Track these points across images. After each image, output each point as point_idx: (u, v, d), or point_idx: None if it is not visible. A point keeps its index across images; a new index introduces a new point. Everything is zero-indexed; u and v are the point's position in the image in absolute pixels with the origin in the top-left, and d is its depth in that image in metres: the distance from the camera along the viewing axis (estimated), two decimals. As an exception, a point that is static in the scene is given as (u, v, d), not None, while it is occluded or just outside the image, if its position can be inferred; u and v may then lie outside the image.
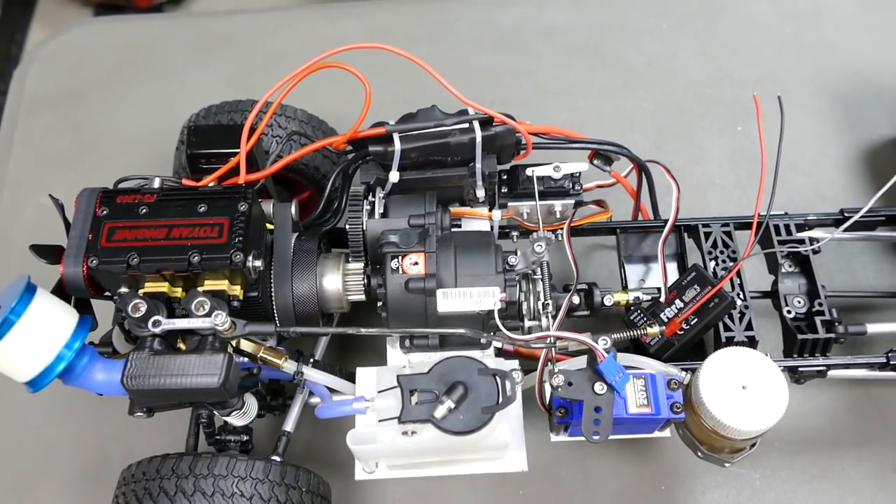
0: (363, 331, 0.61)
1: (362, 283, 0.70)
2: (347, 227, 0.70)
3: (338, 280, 0.69)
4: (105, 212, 0.61)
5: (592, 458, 0.81)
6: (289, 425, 0.74)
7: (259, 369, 0.69)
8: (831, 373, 0.75)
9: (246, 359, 0.65)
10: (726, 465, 0.70)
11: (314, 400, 0.77)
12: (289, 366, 0.68)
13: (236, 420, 0.70)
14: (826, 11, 1.09)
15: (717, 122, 1.00)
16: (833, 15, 1.08)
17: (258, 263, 0.61)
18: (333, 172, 0.74)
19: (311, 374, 0.69)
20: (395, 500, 0.80)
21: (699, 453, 0.70)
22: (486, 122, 0.71)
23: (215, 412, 0.67)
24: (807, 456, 0.81)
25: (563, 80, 1.01)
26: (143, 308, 0.57)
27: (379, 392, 0.60)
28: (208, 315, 0.57)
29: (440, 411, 0.56)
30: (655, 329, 0.69)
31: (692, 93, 1.03)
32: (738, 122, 1.00)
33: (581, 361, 0.65)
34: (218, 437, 0.69)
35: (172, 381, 0.57)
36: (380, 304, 0.69)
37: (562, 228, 0.77)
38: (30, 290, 0.55)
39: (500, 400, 0.58)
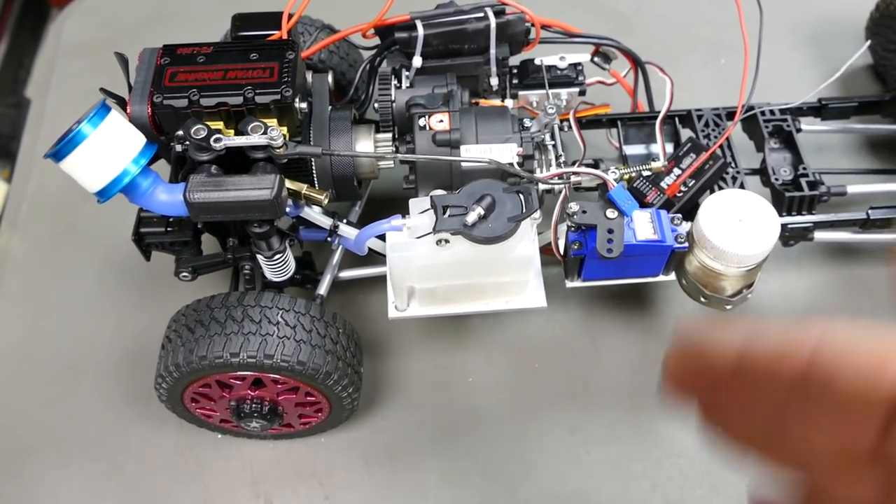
0: (400, 155, 0.68)
1: (392, 149, 0.77)
2: (378, 101, 0.77)
3: (370, 146, 0.76)
4: (167, 61, 0.68)
5: (603, 333, 0.87)
6: (322, 289, 0.80)
7: (298, 230, 0.76)
8: (817, 235, 0.82)
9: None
10: (727, 307, 0.76)
11: (344, 274, 0.83)
12: (325, 220, 0.74)
13: (275, 275, 0.76)
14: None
15: (702, 57, 1.10)
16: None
17: (303, 105, 0.69)
18: (360, 65, 0.82)
19: (346, 230, 0.75)
20: (418, 371, 0.85)
21: (702, 298, 0.76)
22: (500, 11, 0.80)
23: (259, 259, 0.73)
24: (801, 328, 0.87)
25: (560, 25, 1.11)
26: (204, 131, 0.64)
27: (413, 213, 0.67)
28: (264, 133, 0.64)
29: (471, 217, 0.63)
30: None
31: (678, 33, 1.13)
32: (721, 56, 1.10)
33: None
34: (259, 292, 0.75)
35: (230, 194, 0.63)
36: (409, 170, 0.76)
37: (568, 118, 0.85)
38: (105, 108, 0.62)
39: (525, 210, 0.64)
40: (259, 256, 0.73)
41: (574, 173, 0.71)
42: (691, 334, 0.32)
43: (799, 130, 0.84)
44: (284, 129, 0.68)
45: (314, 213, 0.74)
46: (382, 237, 0.75)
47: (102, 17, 1.17)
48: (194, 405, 0.74)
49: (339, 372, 0.70)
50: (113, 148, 0.61)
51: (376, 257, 0.82)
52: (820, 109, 0.88)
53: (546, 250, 0.78)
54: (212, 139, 0.63)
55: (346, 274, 0.84)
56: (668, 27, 1.14)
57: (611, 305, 0.89)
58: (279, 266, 0.74)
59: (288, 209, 0.71)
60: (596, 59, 0.87)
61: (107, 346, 0.88)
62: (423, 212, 0.66)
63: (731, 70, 1.08)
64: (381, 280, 0.76)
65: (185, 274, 0.77)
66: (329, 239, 0.77)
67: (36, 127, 1.05)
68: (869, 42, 1.00)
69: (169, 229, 0.76)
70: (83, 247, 0.95)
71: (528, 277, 0.69)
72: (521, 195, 0.65)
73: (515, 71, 0.86)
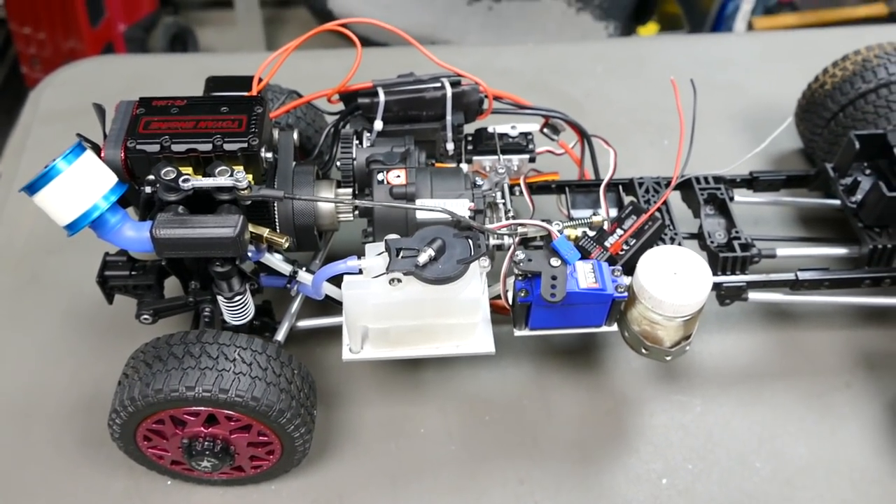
0: (358, 202, 0.73)
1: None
2: (340, 159, 0.83)
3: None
4: (142, 111, 0.73)
5: (552, 388, 0.90)
6: (280, 335, 0.83)
7: (259, 276, 0.79)
8: (751, 295, 0.87)
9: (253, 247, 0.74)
10: (667, 358, 0.80)
11: (302, 324, 0.86)
12: (285, 266, 0.78)
13: (235, 318, 0.78)
14: (731, 61, 1.31)
15: (647, 138, 1.18)
16: (738, 64, 1.31)
17: (269, 155, 0.73)
18: (324, 132, 0.88)
19: (305, 277, 0.79)
20: (371, 421, 0.87)
21: (643, 350, 0.80)
22: (456, 82, 0.87)
23: (219, 302, 0.76)
24: (741, 386, 0.91)
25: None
26: (174, 173, 0.68)
27: (369, 256, 0.71)
28: (230, 176, 0.68)
29: (423, 258, 0.67)
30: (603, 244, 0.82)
31: (625, 116, 1.22)
32: (665, 138, 1.18)
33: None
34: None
35: (195, 231, 0.66)
36: (367, 221, 0.80)
37: (519, 183, 0.91)
38: (80, 147, 0.66)
39: (473, 253, 0.69)
40: (220, 298, 0.76)
41: (521, 224, 0.76)
42: None
43: (732, 199, 0.91)
44: (250, 177, 0.72)
45: (274, 260, 0.77)
46: (339, 285, 0.78)
47: (80, 86, 1.23)
48: (146, 444, 0.75)
49: (292, 411, 0.72)
50: (85, 184, 0.65)
51: (334, 310, 0.85)
52: (751, 182, 0.95)
53: (496, 306, 0.82)
54: (180, 179, 0.67)
55: (304, 323, 0.86)
56: (616, 110, 1.22)
57: (560, 362, 0.92)
58: (239, 308, 0.77)
59: (250, 253, 0.74)
60: (545, 130, 0.94)
61: (62, 392, 0.88)
62: (378, 254, 0.70)
63: (674, 150, 1.15)
64: (337, 333, 0.79)
65: (146, 316, 0.79)
66: (288, 286, 0.80)
67: (8, 183, 1.09)
68: (792, 118, 1.09)
69: (133, 273, 0.79)
70: (46, 297, 0.97)
71: (476, 320, 0.73)
72: (470, 240, 0.70)
73: (470, 138, 0.92)
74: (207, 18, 2.94)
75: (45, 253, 1.01)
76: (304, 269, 0.80)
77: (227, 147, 0.70)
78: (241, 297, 0.76)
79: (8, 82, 2.56)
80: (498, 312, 0.83)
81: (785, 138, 1.16)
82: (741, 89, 1.26)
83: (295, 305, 0.85)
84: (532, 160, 0.92)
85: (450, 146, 0.89)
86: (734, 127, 1.20)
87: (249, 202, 0.71)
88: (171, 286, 0.83)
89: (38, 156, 1.13)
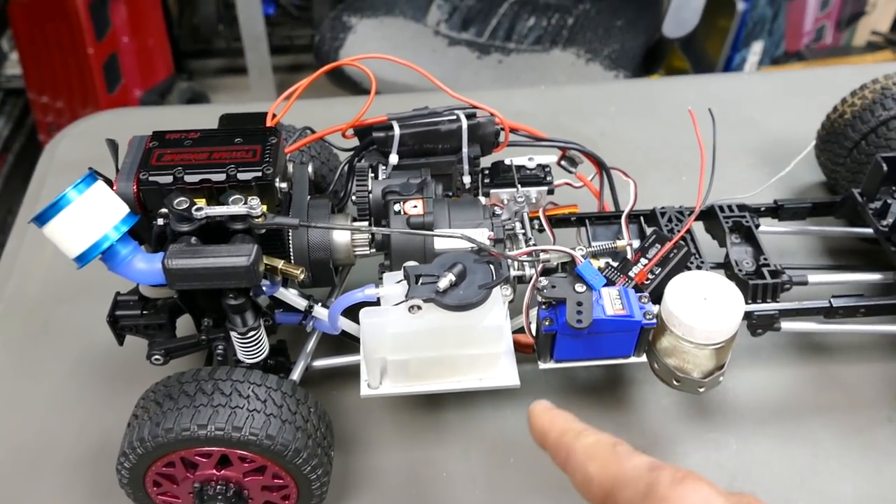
0: (375, 229, 0.71)
1: (367, 237, 0.80)
2: (355, 192, 0.81)
3: (346, 234, 0.79)
4: (155, 144, 0.72)
5: (579, 426, 0.86)
6: (295, 375, 0.79)
7: (274, 312, 0.77)
8: (784, 325, 0.84)
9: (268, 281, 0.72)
10: (700, 390, 0.76)
11: (318, 363, 0.83)
12: (300, 301, 0.76)
13: (249, 355, 0.76)
14: (744, 98, 1.31)
15: (665, 175, 1.17)
16: (750, 101, 1.30)
17: (283, 186, 0.72)
18: (339, 167, 0.87)
19: (321, 312, 0.76)
20: (391, 465, 0.83)
21: (674, 381, 0.76)
22: (471, 114, 0.86)
23: (233, 338, 0.73)
24: (777, 422, 0.87)
25: (532, 146, 1.18)
26: (186, 202, 0.66)
27: (387, 284, 0.68)
28: (245, 204, 0.66)
29: (443, 283, 0.65)
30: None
31: (639, 154, 1.20)
32: (683, 174, 1.17)
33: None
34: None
35: (208, 261, 0.64)
36: (384, 256, 0.78)
37: (538, 216, 0.89)
38: (92, 177, 0.64)
39: (495, 278, 0.66)
40: (233, 335, 0.73)
41: (543, 250, 0.73)
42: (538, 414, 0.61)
43: (757, 226, 0.88)
44: (264, 206, 0.70)
45: (289, 294, 0.75)
46: (355, 320, 0.76)
47: (96, 137, 1.21)
48: (156, 490, 0.71)
49: (308, 451, 0.68)
50: (96, 213, 0.64)
51: (350, 349, 0.82)
52: (777, 210, 0.93)
53: (519, 343, 0.78)
54: (193, 209, 0.65)
55: (320, 363, 0.83)
56: (632, 148, 1.21)
57: (586, 400, 0.89)
58: (253, 345, 0.74)
59: (265, 287, 0.72)
60: (563, 163, 0.93)
61: (71, 442, 0.85)
62: (397, 282, 0.68)
63: (692, 185, 1.13)
64: (353, 375, 0.76)
65: (157, 357, 0.77)
66: (303, 322, 0.78)
67: (21, 232, 1.08)
68: (812, 147, 1.08)
69: (144, 312, 0.77)
70: (55, 346, 0.95)
71: (499, 350, 0.70)
72: (491, 265, 0.67)
73: (487, 171, 0.91)
74: (221, 84, 3.00)
75: (56, 302, 1.00)
76: (319, 304, 0.77)
77: (240, 176, 0.69)
78: (255, 332, 0.73)
79: (25, 151, 2.60)
80: (521, 350, 0.79)
81: (804, 172, 1.14)
82: (755, 125, 1.25)
83: (310, 344, 0.82)
84: (550, 192, 0.90)
85: (466, 179, 0.87)
86: (751, 161, 1.19)
87: (264, 231, 0.69)
88: (182, 327, 0.80)
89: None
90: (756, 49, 2.70)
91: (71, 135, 1.24)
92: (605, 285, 0.73)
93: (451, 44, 2.00)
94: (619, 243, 0.79)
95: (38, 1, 2.12)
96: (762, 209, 0.93)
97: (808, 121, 1.12)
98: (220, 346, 0.75)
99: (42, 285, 1.02)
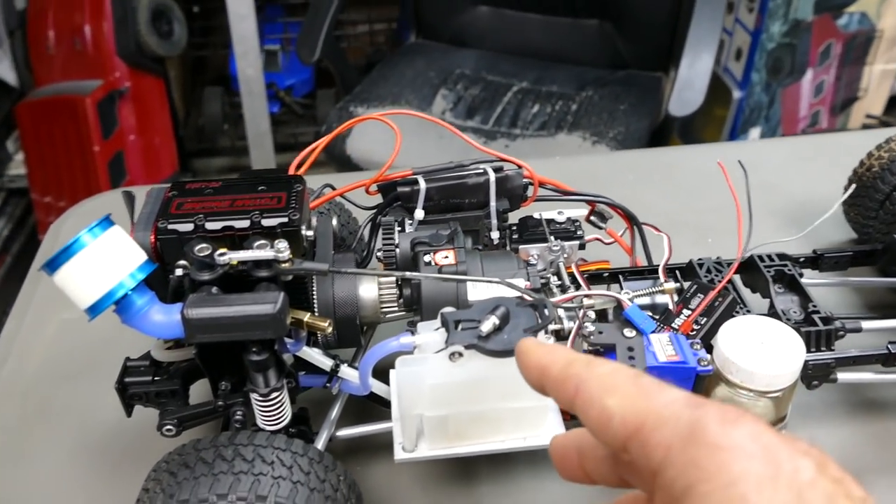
0: (408, 274, 0.66)
1: (395, 293, 0.75)
2: (381, 249, 0.77)
3: (374, 289, 0.74)
4: (175, 194, 0.69)
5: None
6: (319, 444, 0.73)
7: (297, 375, 0.71)
8: (840, 376, 0.78)
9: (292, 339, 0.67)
10: (762, 446, 0.70)
11: (343, 433, 0.77)
12: (326, 361, 0.70)
13: (270, 422, 0.69)
14: (760, 163, 1.29)
15: (689, 238, 1.13)
16: (766, 166, 1.29)
17: (309, 233, 0.68)
18: (363, 224, 0.84)
19: (348, 372, 0.71)
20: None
21: (733, 437, 0.70)
22: (498, 168, 0.84)
23: (253, 402, 0.67)
24: (841, 486, 0.80)
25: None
26: (209, 249, 0.62)
27: (423, 332, 0.63)
28: (271, 248, 0.62)
29: (486, 326, 0.60)
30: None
31: (661, 219, 1.16)
32: (708, 237, 1.13)
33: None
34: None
35: (231, 309, 0.59)
36: (413, 312, 0.74)
37: (571, 272, 0.85)
38: (107, 221, 0.60)
39: (541, 321, 0.61)
40: (253, 398, 0.67)
41: (587, 295, 0.69)
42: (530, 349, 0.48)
43: (801, 275, 0.84)
44: (291, 252, 0.66)
45: (314, 354, 0.70)
46: (384, 380, 0.70)
47: (102, 216, 1.20)
48: (168, 575, 0.63)
49: (339, 523, 0.61)
50: (110, 260, 0.59)
51: (377, 415, 0.76)
52: (816, 260, 0.89)
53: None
54: (216, 254, 0.61)
55: (345, 432, 0.77)
56: (654, 213, 1.17)
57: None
58: (275, 409, 0.68)
59: (289, 343, 0.67)
60: (592, 218, 0.90)
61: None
62: (435, 329, 0.63)
63: (720, 248, 1.10)
64: (380, 447, 0.70)
65: (169, 427, 0.70)
66: (328, 384, 0.72)
67: (22, 312, 1.03)
68: (840, 204, 1.05)
69: (156, 378, 0.71)
70: (54, 428, 0.88)
71: (546, 402, 0.64)
72: (535, 309, 0.63)
73: (515, 227, 0.87)
74: (225, 183, 2.99)
75: (54, 383, 0.93)
76: (346, 363, 0.72)
77: (265, 222, 0.65)
78: (278, 394, 0.67)
79: (24, 251, 2.58)
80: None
81: (832, 231, 1.11)
82: (775, 189, 1.23)
83: (335, 411, 0.76)
84: (582, 247, 0.86)
85: (495, 234, 0.84)
86: (777, 222, 1.16)
87: (290, 278, 0.64)
88: (195, 396, 0.75)
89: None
90: (754, 135, 2.75)
91: (76, 214, 1.21)
92: (654, 332, 0.68)
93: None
94: (667, 286, 0.74)
95: (47, 100, 2.15)
96: (802, 259, 0.89)
97: (828, 182, 1.11)
98: (238, 412, 0.69)
99: (39, 367, 0.96)
